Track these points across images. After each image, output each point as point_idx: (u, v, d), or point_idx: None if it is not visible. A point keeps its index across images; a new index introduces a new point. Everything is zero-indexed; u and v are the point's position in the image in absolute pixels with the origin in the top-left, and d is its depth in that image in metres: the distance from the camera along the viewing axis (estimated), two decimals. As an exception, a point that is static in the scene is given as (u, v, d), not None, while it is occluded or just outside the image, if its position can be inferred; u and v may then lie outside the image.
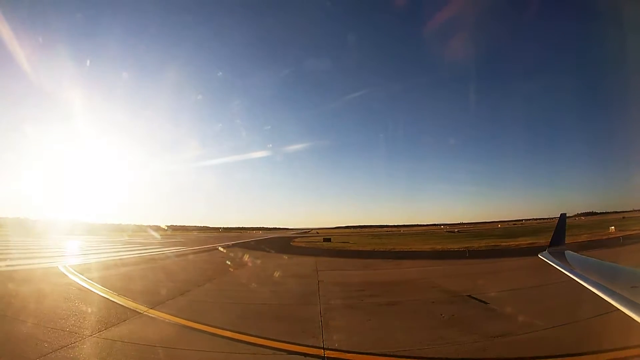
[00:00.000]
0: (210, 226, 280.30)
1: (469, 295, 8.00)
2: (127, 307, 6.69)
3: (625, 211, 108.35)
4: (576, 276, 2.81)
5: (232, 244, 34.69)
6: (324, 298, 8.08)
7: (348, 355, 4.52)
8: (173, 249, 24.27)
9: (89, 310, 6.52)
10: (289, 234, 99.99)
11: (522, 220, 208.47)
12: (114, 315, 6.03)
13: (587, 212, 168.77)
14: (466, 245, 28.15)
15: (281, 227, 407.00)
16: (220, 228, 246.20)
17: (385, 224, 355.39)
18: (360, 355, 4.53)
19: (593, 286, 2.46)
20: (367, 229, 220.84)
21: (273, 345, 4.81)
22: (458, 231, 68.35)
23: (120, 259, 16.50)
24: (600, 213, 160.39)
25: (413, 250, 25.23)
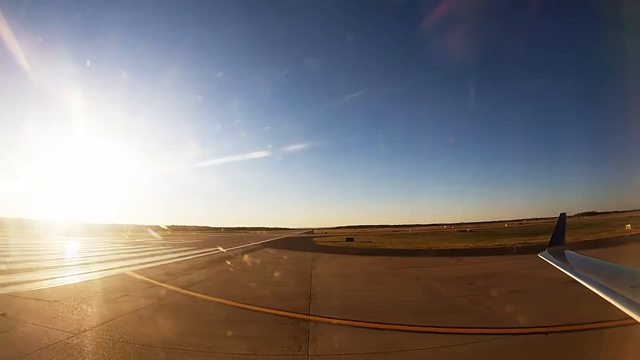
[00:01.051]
0: (211, 226, 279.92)
1: (571, 281, 8.52)
2: (296, 318, 6.13)
3: (627, 211, 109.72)
4: (576, 276, 2.81)
5: (261, 243, 34.46)
6: (452, 292, 8.37)
7: (570, 328, 5.12)
8: (214, 250, 23.95)
9: (260, 327, 5.58)
10: (295, 234, 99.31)
11: (522, 220, 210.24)
12: (300, 331, 5.35)
13: (588, 212, 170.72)
14: (497, 244, 28.41)
15: (281, 227, 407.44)
16: (222, 228, 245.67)
17: (385, 224, 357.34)
18: (565, 327, 5.18)
19: (593, 286, 2.46)
20: (369, 229, 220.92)
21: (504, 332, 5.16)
22: (470, 230, 68.57)
23: (176, 262, 15.76)
24: (601, 213, 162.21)
25: (453, 248, 25.00)
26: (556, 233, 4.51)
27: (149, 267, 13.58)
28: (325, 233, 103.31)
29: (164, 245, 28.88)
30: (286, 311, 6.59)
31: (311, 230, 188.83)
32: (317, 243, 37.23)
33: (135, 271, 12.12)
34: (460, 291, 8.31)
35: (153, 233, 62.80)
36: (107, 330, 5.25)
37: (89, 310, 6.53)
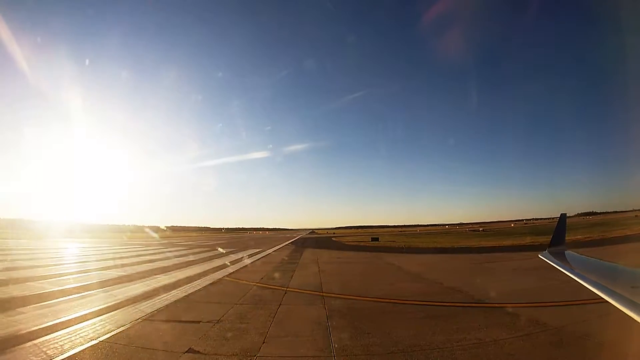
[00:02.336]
0: (211, 227, 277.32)
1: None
2: (493, 307, 6.60)
3: (627, 211, 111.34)
4: (576, 276, 2.81)
5: (291, 243, 34.45)
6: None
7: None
8: (261, 251, 24.09)
9: (479, 319, 5.80)
10: (302, 234, 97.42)
11: (523, 220, 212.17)
12: (515, 316, 5.83)
13: (587, 212, 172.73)
14: (529, 241, 28.77)
15: (280, 227, 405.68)
16: (223, 229, 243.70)
17: (384, 225, 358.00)
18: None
19: (593, 286, 2.47)
20: (370, 230, 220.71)
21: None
22: (483, 230, 69.14)
23: (249, 265, 15.52)
24: (600, 213, 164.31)
25: (495, 245, 25.48)
26: (556, 233, 4.50)
27: (236, 271, 12.89)
28: (334, 233, 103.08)
29: (203, 247, 28.58)
30: (473, 303, 7.15)
31: (313, 231, 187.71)
32: (349, 243, 37.23)
33: (230, 275, 11.65)
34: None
35: (154, 234, 62.04)
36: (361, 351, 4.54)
37: (282, 329, 5.53)
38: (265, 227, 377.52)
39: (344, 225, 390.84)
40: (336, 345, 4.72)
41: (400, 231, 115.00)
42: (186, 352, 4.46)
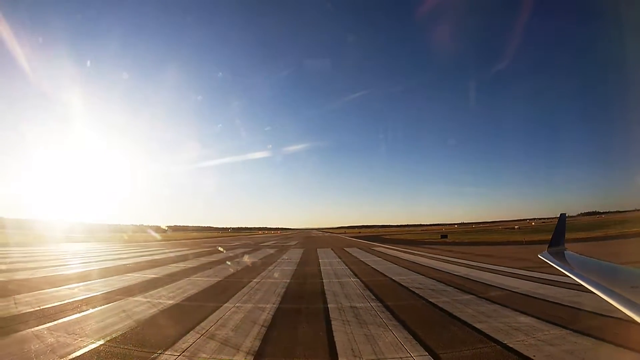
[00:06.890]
0: (213, 227, 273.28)
1: None
2: None
3: (628, 211, 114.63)
4: (576, 276, 2.79)
5: (377, 243, 35.44)
6: None
7: None
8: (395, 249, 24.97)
9: None
10: (318, 233, 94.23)
11: (537, 218, 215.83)
12: None
13: (590, 212, 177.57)
14: (584, 235, 30.75)
15: (282, 227, 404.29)
16: (230, 228, 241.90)
17: (387, 224, 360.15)
18: None
19: (593, 286, 2.45)
20: (374, 230, 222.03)
21: None
22: (518, 228, 71.93)
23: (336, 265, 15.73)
24: (603, 213, 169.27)
25: (575, 238, 27.51)
26: (556, 234, 4.43)
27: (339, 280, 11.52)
28: (359, 232, 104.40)
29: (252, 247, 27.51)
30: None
31: (312, 230, 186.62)
32: (430, 240, 38.96)
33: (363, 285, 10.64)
34: None
35: (154, 234, 61.87)
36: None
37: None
38: (266, 226, 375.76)
39: (346, 225, 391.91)
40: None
41: (423, 230, 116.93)
42: None
